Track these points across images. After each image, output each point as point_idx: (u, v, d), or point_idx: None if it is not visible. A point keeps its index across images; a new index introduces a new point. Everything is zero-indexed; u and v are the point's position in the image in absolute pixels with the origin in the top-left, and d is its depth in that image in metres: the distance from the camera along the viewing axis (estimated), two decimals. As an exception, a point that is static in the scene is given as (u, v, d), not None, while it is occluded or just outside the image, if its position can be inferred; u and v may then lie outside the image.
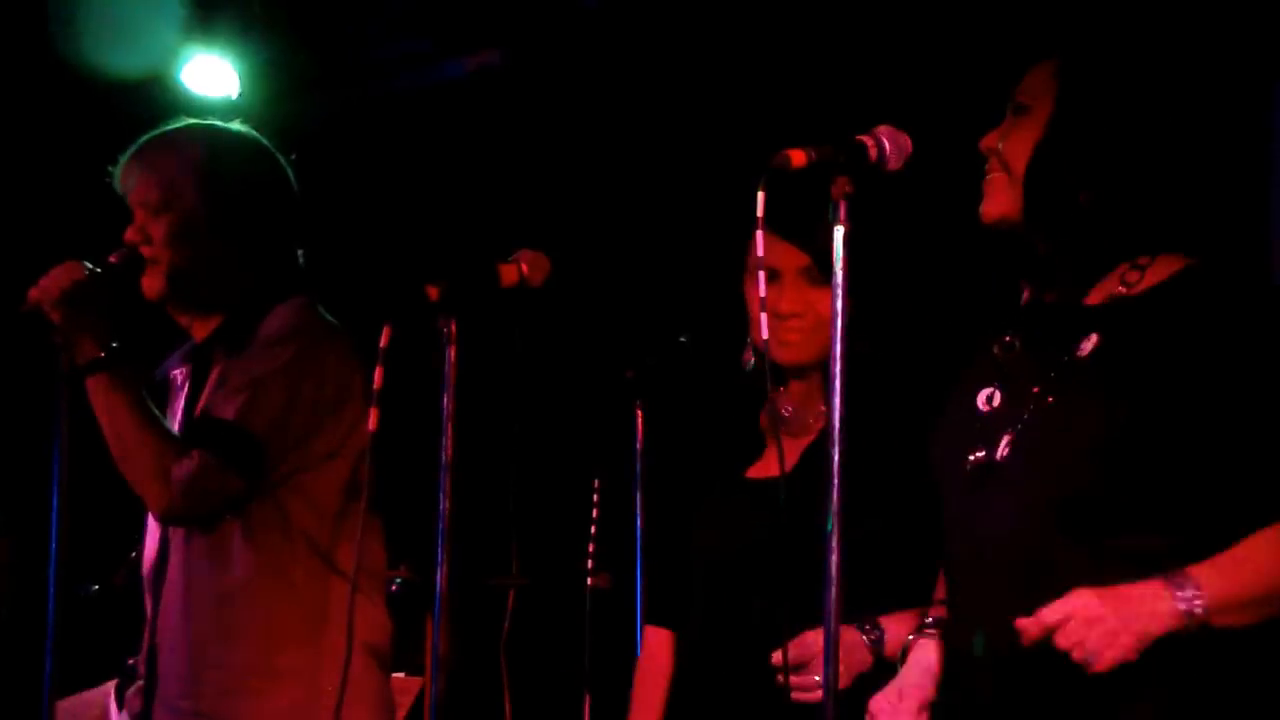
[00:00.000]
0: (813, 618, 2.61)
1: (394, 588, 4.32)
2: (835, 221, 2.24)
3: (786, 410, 2.90)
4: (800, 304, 2.83)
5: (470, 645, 3.00)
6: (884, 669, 2.67)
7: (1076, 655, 2.21)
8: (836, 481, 2.25)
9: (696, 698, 2.91)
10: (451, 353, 2.57)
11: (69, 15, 4.97)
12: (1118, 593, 2.22)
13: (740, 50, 4.84)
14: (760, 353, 2.82)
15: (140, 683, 3.26)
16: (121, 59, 5.12)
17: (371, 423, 2.54)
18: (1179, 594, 2.20)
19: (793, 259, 2.83)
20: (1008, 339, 2.46)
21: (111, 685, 3.46)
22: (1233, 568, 2.25)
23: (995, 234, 2.51)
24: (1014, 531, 2.36)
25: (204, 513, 3.09)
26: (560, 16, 5.12)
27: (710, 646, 2.86)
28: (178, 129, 3.33)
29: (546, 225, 3.22)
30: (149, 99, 4.63)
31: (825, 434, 2.62)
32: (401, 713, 4.27)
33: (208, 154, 3.27)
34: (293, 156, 3.33)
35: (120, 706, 3.35)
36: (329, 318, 3.25)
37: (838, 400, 2.25)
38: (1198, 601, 2.21)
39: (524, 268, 2.69)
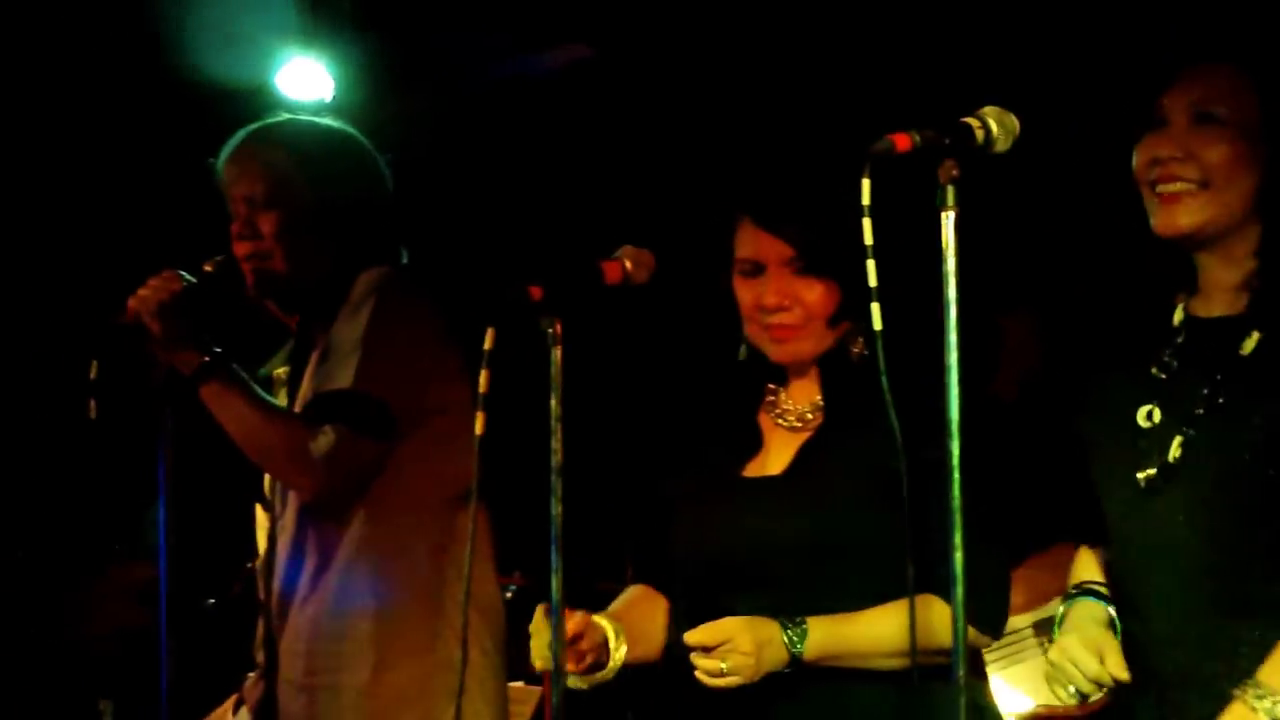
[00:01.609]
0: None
1: (509, 595, 4.40)
2: (944, 207, 2.23)
3: (785, 406, 2.90)
4: (787, 296, 2.80)
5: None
6: (799, 670, 2.70)
7: None
8: (956, 476, 2.22)
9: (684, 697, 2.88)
10: (557, 354, 2.55)
11: (177, 22, 5.06)
12: None
13: (828, 38, 4.93)
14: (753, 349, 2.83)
15: (257, 672, 3.33)
16: (225, 65, 5.22)
17: (479, 426, 2.53)
18: None
19: (777, 250, 2.80)
20: (1165, 358, 2.51)
21: (230, 702, 3.54)
22: None
23: (1154, 249, 2.55)
24: (1194, 527, 2.43)
25: (351, 484, 3.18)
26: (646, 7, 5.19)
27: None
28: (284, 124, 3.43)
29: (644, 219, 3.24)
30: (246, 102, 4.68)
31: (823, 430, 2.83)
32: (521, 722, 4.37)
33: (317, 151, 3.33)
34: (388, 156, 3.37)
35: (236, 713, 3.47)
36: (406, 275, 3.30)
37: (954, 393, 2.24)
38: None
39: (628, 265, 2.68)
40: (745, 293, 2.84)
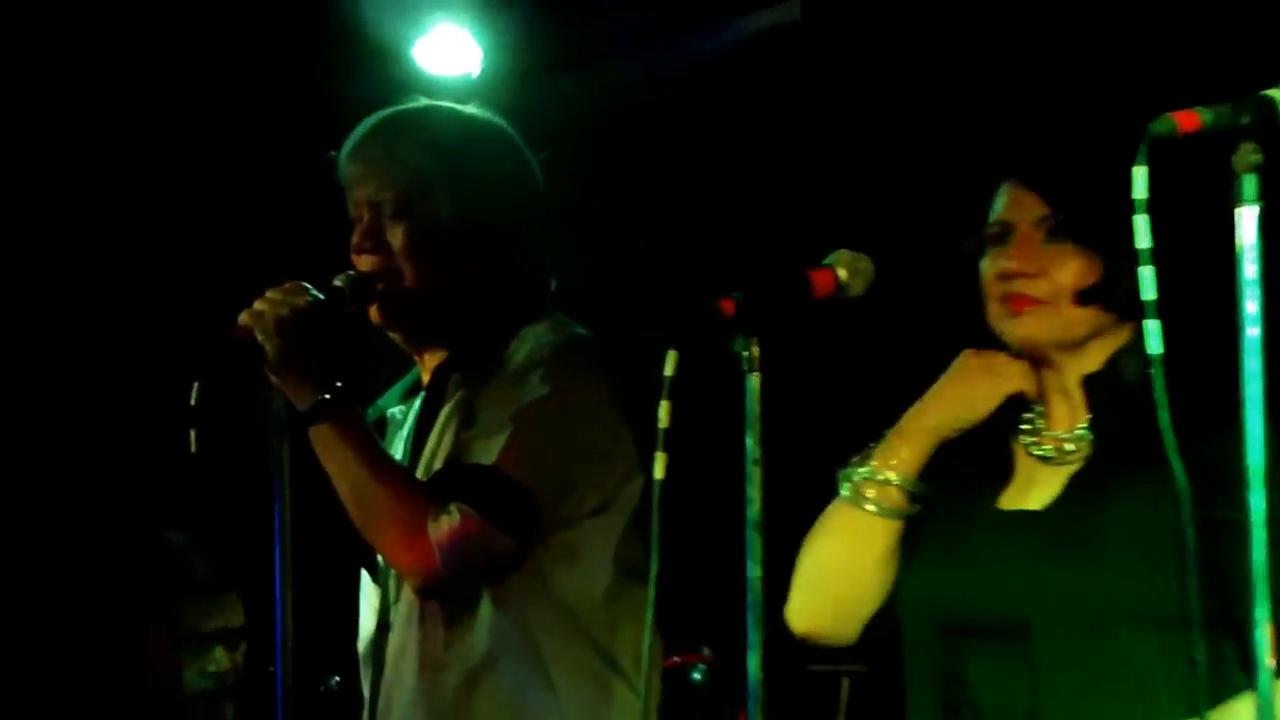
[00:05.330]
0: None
1: (697, 676, 4.43)
2: (1239, 202, 2.04)
3: (1041, 432, 2.76)
4: (1031, 263, 2.64)
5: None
6: None
7: None
8: (1260, 536, 2.01)
9: None
10: (755, 381, 2.37)
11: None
12: None
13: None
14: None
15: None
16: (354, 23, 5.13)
17: (658, 470, 2.33)
18: None
19: (1028, 208, 2.67)
20: None
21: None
22: None
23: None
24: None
25: (471, 580, 2.97)
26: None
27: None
28: (423, 112, 3.16)
29: (861, 219, 3.02)
30: (377, 75, 4.53)
31: (1092, 463, 2.64)
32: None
33: (459, 148, 3.07)
34: (543, 155, 3.16)
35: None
36: (586, 334, 3.12)
37: (1257, 431, 2.01)
38: None
39: (841, 274, 2.49)
40: (988, 267, 2.69)
